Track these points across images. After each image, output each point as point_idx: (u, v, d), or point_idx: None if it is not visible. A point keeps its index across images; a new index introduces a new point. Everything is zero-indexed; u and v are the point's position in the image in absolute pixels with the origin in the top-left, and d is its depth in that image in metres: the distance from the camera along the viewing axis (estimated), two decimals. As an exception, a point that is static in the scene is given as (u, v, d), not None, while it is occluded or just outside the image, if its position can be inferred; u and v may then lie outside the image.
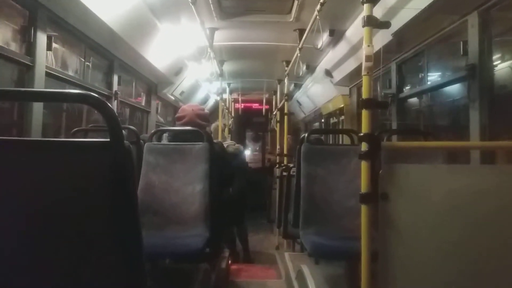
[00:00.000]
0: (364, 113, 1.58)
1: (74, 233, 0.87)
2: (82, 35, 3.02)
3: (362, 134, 1.55)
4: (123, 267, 0.88)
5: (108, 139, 0.85)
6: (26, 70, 2.41)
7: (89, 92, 0.85)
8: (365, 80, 1.59)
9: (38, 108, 2.45)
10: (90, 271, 0.87)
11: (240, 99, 9.13)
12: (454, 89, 2.98)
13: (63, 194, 0.86)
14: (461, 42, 2.44)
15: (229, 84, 7.03)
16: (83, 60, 3.32)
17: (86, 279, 0.88)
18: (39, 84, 2.45)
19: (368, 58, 1.58)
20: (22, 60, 2.35)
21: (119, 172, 0.84)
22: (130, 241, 0.87)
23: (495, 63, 2.42)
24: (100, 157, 0.85)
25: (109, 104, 0.85)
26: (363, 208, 1.53)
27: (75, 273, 0.87)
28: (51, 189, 0.86)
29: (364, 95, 1.59)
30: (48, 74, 2.59)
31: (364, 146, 1.54)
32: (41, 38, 2.46)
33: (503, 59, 2.53)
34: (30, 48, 2.41)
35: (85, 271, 0.87)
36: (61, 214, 0.86)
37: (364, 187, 1.54)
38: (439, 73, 3.26)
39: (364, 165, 1.55)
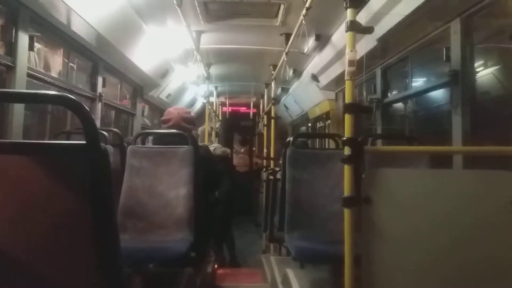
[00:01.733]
0: (347, 118, 1.58)
1: (47, 236, 0.85)
2: (65, 36, 2.98)
3: (345, 138, 1.56)
4: (99, 272, 0.86)
5: (85, 142, 0.83)
6: (7, 70, 2.36)
7: (64, 94, 0.84)
8: (348, 85, 1.60)
9: (18, 109, 2.40)
10: (64, 275, 0.85)
11: (227, 103, 9.11)
12: (438, 95, 3.02)
13: (37, 196, 0.84)
14: (444, 48, 2.47)
15: (216, 87, 7.01)
16: (67, 61, 3.27)
17: (60, 284, 0.85)
18: (21, 86, 2.40)
19: (351, 63, 1.59)
20: (2, 61, 2.30)
21: (95, 175, 0.83)
22: (107, 245, 0.85)
23: (478, 70, 2.46)
24: (76, 160, 0.83)
25: (85, 106, 0.83)
26: (346, 212, 1.54)
27: (48, 277, 0.85)
28: (25, 191, 0.84)
29: (347, 99, 1.59)
30: (30, 75, 2.54)
31: (347, 150, 1.54)
32: (23, 38, 2.42)
33: (486, 66, 2.57)
34: (11, 48, 2.36)
35: (58, 275, 0.85)
36: (35, 217, 0.84)
37: (347, 190, 1.54)
38: (423, 79, 3.30)
39: (347, 169, 1.55)
